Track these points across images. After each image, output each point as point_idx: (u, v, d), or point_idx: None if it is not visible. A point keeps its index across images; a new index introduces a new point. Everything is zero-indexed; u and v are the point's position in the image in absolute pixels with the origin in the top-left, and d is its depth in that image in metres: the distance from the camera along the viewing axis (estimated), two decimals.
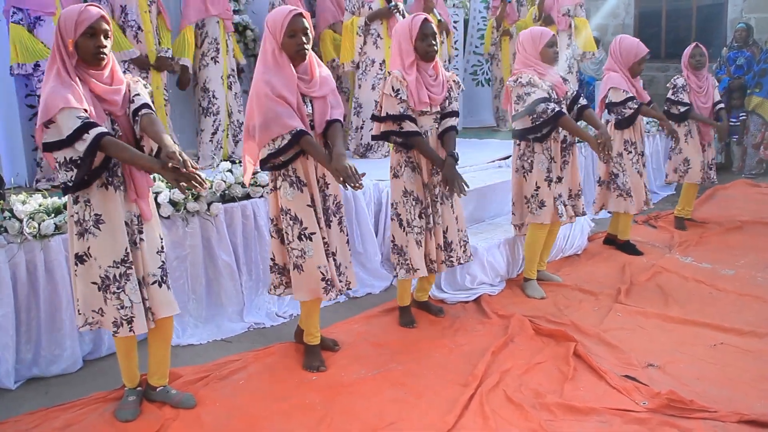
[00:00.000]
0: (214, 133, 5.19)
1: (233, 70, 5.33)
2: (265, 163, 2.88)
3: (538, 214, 3.91)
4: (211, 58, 5.12)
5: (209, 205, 3.51)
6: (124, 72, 4.57)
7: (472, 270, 4.00)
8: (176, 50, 4.91)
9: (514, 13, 7.64)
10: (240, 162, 3.80)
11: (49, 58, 2.44)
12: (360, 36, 5.59)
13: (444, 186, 3.33)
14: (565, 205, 3.93)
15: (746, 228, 5.49)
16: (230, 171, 3.69)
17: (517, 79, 3.78)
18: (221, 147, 5.24)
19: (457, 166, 3.28)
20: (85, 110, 2.33)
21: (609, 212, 4.89)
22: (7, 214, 2.97)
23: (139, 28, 4.61)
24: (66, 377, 3.06)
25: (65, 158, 2.36)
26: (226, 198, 3.63)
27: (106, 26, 2.42)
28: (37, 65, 4.17)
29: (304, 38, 2.80)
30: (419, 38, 3.24)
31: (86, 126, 2.29)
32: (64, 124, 2.30)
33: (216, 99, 5.16)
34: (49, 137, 2.35)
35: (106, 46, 2.42)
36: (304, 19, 2.82)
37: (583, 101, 3.94)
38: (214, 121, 5.18)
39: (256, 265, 3.77)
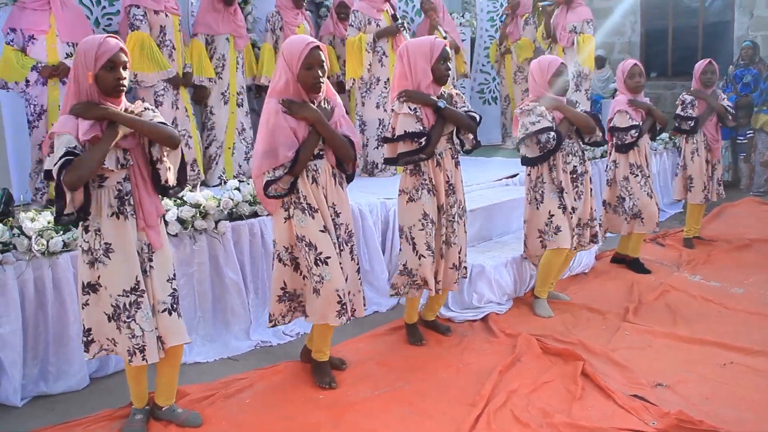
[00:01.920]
0: (206, 147, 5.25)
1: (243, 88, 5.38)
2: (267, 188, 2.82)
3: (554, 240, 3.90)
4: (216, 74, 5.17)
5: (217, 223, 3.52)
6: (163, 90, 4.58)
7: (480, 288, 3.99)
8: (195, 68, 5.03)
9: (518, 31, 7.65)
10: (247, 180, 3.82)
11: (66, 87, 2.43)
12: (369, 52, 5.60)
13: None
14: (576, 236, 3.98)
15: (755, 246, 5.47)
16: (237, 189, 3.70)
17: (522, 110, 3.86)
18: (216, 162, 5.26)
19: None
20: (79, 144, 2.33)
21: (621, 233, 4.86)
22: (15, 231, 2.99)
23: (173, 47, 4.71)
24: (73, 394, 3.06)
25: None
26: (233, 216, 3.64)
27: (125, 58, 2.43)
28: (27, 81, 4.13)
29: (320, 71, 2.79)
30: (439, 60, 3.22)
31: (66, 154, 2.30)
32: (57, 146, 2.33)
33: (212, 115, 5.22)
34: (47, 164, 2.37)
35: (125, 78, 2.44)
36: (321, 52, 2.80)
37: None
38: (208, 136, 5.25)
39: (263, 283, 3.77)
